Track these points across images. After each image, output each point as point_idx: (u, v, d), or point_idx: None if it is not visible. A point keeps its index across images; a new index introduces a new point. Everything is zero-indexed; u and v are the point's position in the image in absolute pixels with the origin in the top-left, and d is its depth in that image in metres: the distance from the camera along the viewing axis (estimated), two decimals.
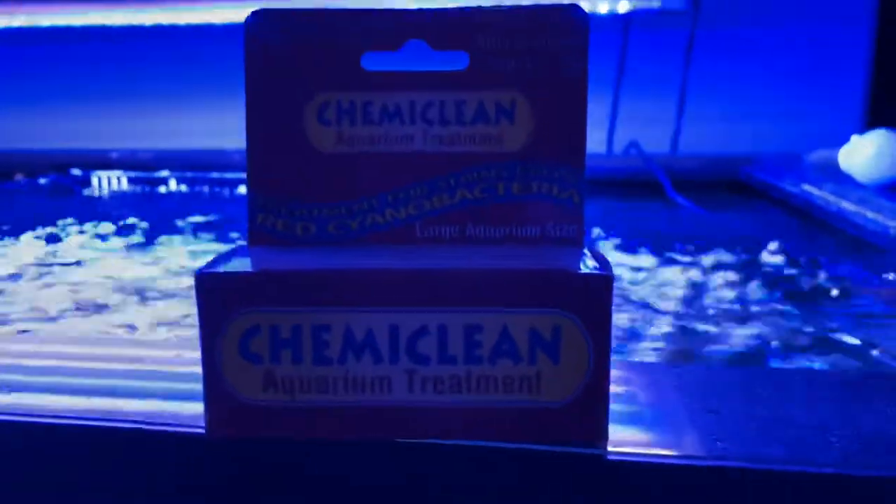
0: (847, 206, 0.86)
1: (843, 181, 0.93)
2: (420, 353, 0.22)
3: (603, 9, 1.22)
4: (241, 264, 0.23)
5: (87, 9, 1.25)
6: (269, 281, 0.22)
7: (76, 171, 1.19)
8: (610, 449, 0.22)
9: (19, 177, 1.19)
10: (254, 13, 0.26)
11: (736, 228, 0.92)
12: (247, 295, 0.22)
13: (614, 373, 0.22)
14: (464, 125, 0.26)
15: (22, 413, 0.25)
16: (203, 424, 0.23)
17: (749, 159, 1.13)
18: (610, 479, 0.22)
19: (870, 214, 0.81)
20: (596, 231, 0.84)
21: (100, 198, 1.15)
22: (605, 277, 0.22)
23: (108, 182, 1.17)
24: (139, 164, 1.19)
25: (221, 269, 0.23)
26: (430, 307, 0.22)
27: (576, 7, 0.26)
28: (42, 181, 1.19)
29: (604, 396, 0.22)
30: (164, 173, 1.16)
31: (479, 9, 0.26)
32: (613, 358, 0.22)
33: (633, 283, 0.65)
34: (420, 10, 0.26)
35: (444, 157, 0.26)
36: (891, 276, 0.65)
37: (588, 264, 0.23)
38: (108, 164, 1.19)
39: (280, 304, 0.22)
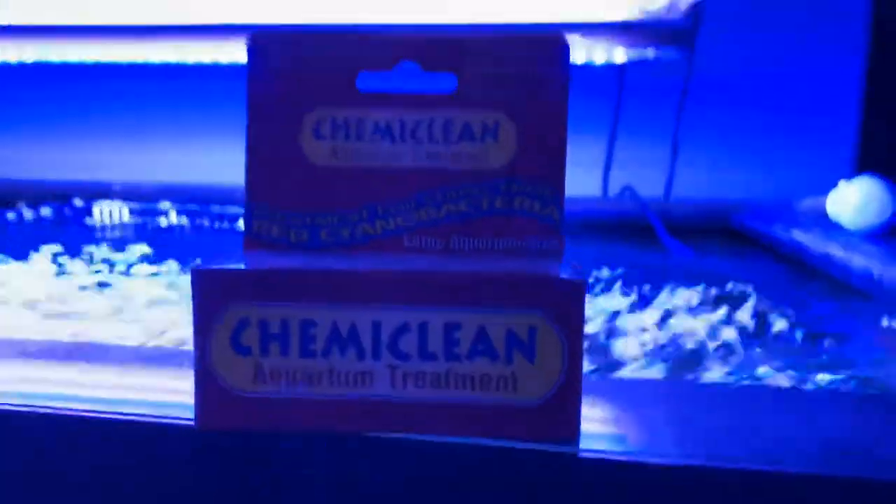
0: (834, 252, 0.87)
1: (831, 228, 0.95)
2: (401, 349, 0.23)
3: (599, 59, 1.26)
4: (235, 263, 0.25)
5: (97, 45, 1.28)
6: (259, 277, 0.23)
7: (78, 202, 1.21)
8: (582, 447, 0.23)
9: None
10: (257, 34, 0.28)
11: (727, 274, 0.93)
12: (238, 290, 0.23)
13: (591, 384, 0.23)
14: (450, 143, 0.28)
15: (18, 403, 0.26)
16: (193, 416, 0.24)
17: (741, 206, 1.15)
18: (582, 475, 0.23)
19: (856, 260, 0.83)
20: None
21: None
22: (578, 282, 0.23)
23: (109, 213, 1.19)
24: (141, 196, 1.21)
25: (216, 266, 0.24)
26: (412, 306, 0.23)
27: (559, 37, 0.28)
28: (44, 211, 1.20)
29: (577, 396, 0.23)
30: (166, 205, 1.18)
31: (469, 34, 0.28)
32: (592, 373, 0.23)
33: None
34: (413, 34, 0.28)
35: (432, 172, 0.28)
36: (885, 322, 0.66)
37: (562, 270, 0.24)
38: (109, 195, 1.21)
39: (269, 299, 0.23)
